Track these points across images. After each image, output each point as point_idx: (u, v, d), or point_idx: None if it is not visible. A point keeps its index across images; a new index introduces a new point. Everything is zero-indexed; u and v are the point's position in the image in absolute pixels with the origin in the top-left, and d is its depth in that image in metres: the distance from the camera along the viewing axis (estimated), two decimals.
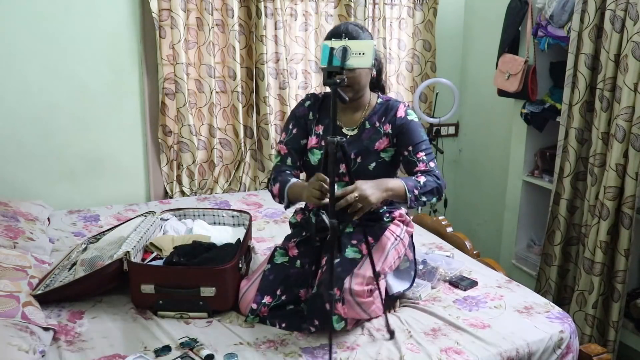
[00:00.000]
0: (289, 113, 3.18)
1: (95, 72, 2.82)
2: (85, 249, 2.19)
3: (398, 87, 3.56)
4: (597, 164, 2.51)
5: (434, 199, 1.88)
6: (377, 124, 1.97)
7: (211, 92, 3.02)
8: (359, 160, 1.94)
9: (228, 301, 1.91)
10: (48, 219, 2.61)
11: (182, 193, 3.11)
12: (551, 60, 2.97)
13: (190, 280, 1.87)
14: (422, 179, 1.85)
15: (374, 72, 1.99)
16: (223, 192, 3.18)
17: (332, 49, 1.54)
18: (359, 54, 1.56)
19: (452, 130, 3.84)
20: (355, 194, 1.66)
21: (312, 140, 2.00)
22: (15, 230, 2.24)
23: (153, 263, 2.03)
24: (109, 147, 2.94)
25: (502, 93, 3.09)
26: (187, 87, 2.95)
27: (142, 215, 2.34)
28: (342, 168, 1.89)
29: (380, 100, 2.01)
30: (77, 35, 2.75)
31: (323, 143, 1.95)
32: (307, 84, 3.30)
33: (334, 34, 1.80)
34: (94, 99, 2.85)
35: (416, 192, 1.82)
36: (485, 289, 2.12)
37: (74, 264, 2.05)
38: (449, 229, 2.68)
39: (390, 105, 1.98)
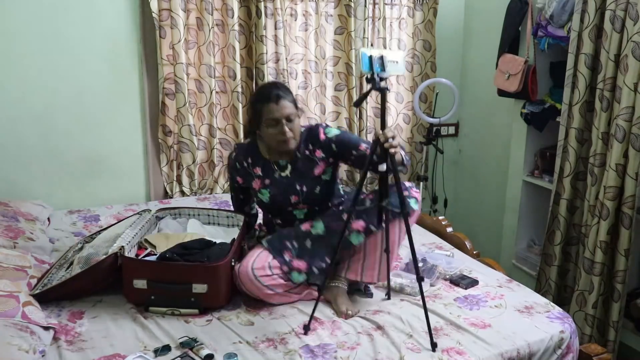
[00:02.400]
0: None
1: (95, 72, 2.82)
2: (81, 248, 2.19)
3: (398, 87, 3.56)
4: (597, 164, 2.51)
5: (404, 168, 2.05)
6: (308, 152, 2.10)
7: (211, 92, 3.02)
8: (304, 189, 2.09)
9: (220, 298, 1.93)
10: (48, 219, 2.61)
11: (182, 193, 3.11)
12: (551, 60, 2.97)
13: (182, 276, 1.89)
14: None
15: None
16: (223, 192, 3.18)
17: (370, 56, 1.68)
18: (394, 62, 1.71)
19: (452, 130, 3.84)
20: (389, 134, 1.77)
21: (257, 183, 2.14)
22: (15, 230, 2.24)
23: (147, 259, 2.04)
24: (109, 147, 2.94)
25: (502, 93, 3.09)
26: (187, 87, 2.95)
27: (137, 213, 2.35)
28: (294, 199, 2.09)
29: (302, 129, 2.12)
30: (77, 35, 2.75)
31: (266, 181, 2.12)
32: (307, 84, 3.30)
33: (277, 91, 2.01)
34: (94, 99, 2.85)
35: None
36: (486, 288, 2.12)
37: (71, 263, 2.05)
38: (449, 229, 2.68)
39: (313, 132, 2.10)
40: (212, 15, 2.93)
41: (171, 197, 3.08)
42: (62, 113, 2.80)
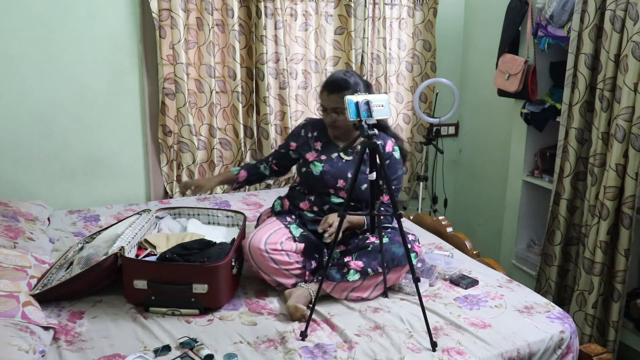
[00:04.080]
0: (288, 113, 3.21)
1: (95, 72, 2.82)
2: (81, 249, 2.19)
3: (398, 87, 3.56)
4: (597, 164, 2.51)
5: None
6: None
7: (211, 92, 3.02)
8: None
9: (220, 299, 1.93)
10: (48, 219, 2.61)
11: (182, 193, 3.10)
12: (551, 60, 2.97)
13: (183, 276, 1.89)
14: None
15: None
16: (223, 192, 3.18)
17: (357, 103, 1.74)
18: (380, 106, 1.77)
19: (452, 130, 3.84)
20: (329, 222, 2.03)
21: (312, 155, 2.24)
22: (15, 230, 2.24)
23: (147, 259, 2.04)
24: (109, 147, 2.94)
25: (502, 93, 3.09)
26: (187, 87, 2.95)
27: (137, 213, 2.34)
28: (340, 183, 2.17)
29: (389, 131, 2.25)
30: (77, 35, 2.75)
31: (322, 157, 2.22)
32: (307, 84, 3.30)
33: (332, 85, 2.12)
34: (94, 99, 2.85)
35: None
36: (486, 288, 2.12)
37: (71, 263, 2.05)
38: (449, 229, 2.68)
39: (385, 140, 2.20)
40: (212, 15, 2.93)
41: (171, 197, 3.08)
42: (62, 113, 2.80)
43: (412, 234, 2.17)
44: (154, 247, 2.09)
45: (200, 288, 1.88)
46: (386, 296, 2.05)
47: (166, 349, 1.69)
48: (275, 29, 3.09)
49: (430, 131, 3.50)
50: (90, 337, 1.74)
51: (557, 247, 2.77)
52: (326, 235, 2.03)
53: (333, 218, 2.05)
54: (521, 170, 3.13)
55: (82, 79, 2.80)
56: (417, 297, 1.86)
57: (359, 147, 2.13)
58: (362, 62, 3.36)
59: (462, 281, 2.13)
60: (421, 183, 3.50)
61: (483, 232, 3.69)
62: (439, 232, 2.67)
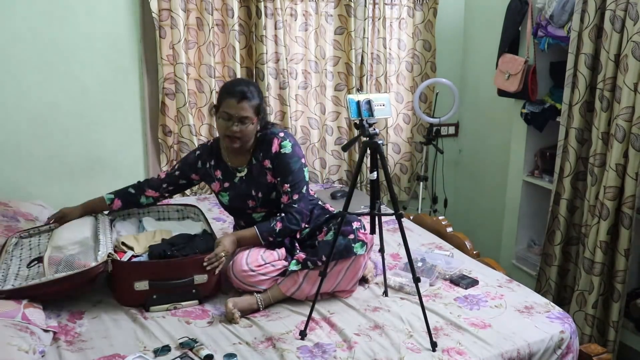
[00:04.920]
0: (288, 113, 3.20)
1: (95, 72, 2.82)
2: (17, 244, 2.10)
3: (398, 87, 3.56)
4: (597, 164, 2.50)
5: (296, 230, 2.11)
6: (259, 159, 2.12)
7: (211, 92, 3.02)
8: (260, 195, 2.12)
9: (216, 286, 2.03)
10: (48, 219, 2.61)
11: (182, 193, 3.10)
12: (551, 60, 2.97)
13: (184, 270, 1.94)
14: (278, 226, 2.05)
15: (259, 127, 2.11)
16: None
17: (358, 102, 1.73)
18: (381, 105, 1.77)
19: (452, 130, 3.84)
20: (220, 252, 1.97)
21: (216, 185, 2.18)
22: (15, 231, 2.24)
23: (143, 260, 2.02)
24: (108, 147, 2.94)
25: (502, 93, 3.09)
26: (187, 87, 2.95)
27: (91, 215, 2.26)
28: (251, 204, 2.13)
29: (258, 134, 2.12)
30: (77, 35, 2.75)
31: (225, 185, 2.15)
32: (307, 84, 3.30)
33: (242, 93, 2.01)
34: (94, 99, 2.85)
35: (271, 239, 2.06)
36: (486, 288, 2.12)
37: (35, 259, 1.97)
38: (449, 229, 2.68)
39: (267, 139, 2.10)
40: (212, 15, 2.93)
41: (171, 197, 3.07)
42: (62, 113, 2.80)
43: (358, 221, 2.09)
44: (131, 248, 2.07)
45: (200, 279, 1.95)
46: (386, 295, 2.04)
47: (166, 349, 1.69)
48: (275, 29, 3.09)
49: (430, 131, 3.50)
50: (90, 337, 1.75)
51: (557, 247, 2.77)
52: (205, 264, 1.94)
53: (223, 247, 1.98)
54: (521, 170, 3.13)
55: (82, 79, 2.80)
56: (417, 297, 1.86)
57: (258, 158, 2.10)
58: (362, 62, 3.36)
59: (462, 281, 2.13)
60: (421, 183, 3.50)
61: (483, 232, 3.69)
62: (439, 232, 2.67)
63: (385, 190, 3.22)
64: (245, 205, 2.15)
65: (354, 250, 1.98)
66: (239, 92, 1.98)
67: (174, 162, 3.06)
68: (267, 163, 2.09)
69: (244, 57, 3.10)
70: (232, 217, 2.35)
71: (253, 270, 1.97)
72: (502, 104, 3.29)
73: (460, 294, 2.06)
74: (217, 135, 2.22)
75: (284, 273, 2.02)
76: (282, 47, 3.11)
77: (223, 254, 1.97)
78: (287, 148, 2.08)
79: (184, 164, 2.24)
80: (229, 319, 1.87)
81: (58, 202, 2.82)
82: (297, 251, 2.08)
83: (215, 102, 2.15)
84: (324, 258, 1.94)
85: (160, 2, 2.82)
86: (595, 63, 2.52)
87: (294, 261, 2.01)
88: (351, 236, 2.00)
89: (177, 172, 2.24)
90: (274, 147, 2.08)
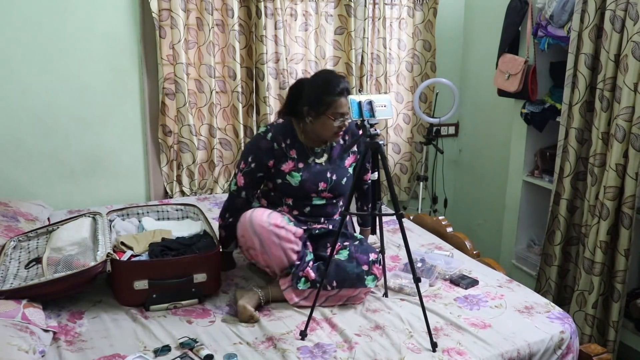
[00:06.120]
0: None
1: (95, 72, 2.82)
2: (15, 247, 2.11)
3: (398, 87, 3.56)
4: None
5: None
6: (344, 142, 2.18)
7: (211, 92, 3.02)
8: (334, 177, 2.15)
9: (216, 284, 2.04)
10: (48, 219, 2.61)
11: (182, 193, 3.11)
12: (551, 60, 2.97)
13: (184, 269, 1.95)
14: None
15: None
16: (223, 192, 3.18)
17: (359, 102, 1.74)
18: (382, 106, 1.78)
19: (452, 130, 3.84)
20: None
21: (289, 165, 2.11)
22: (15, 230, 2.24)
23: (142, 259, 2.03)
24: (108, 147, 2.93)
25: (502, 93, 3.09)
26: (187, 87, 2.95)
27: (83, 215, 2.25)
28: (322, 186, 2.11)
29: None
30: (77, 35, 2.75)
31: (299, 165, 2.11)
32: None
33: (346, 89, 2.03)
34: (94, 99, 2.85)
35: None
36: (486, 288, 2.12)
37: (33, 260, 1.98)
38: (449, 229, 2.68)
39: (355, 124, 2.17)
40: (212, 15, 2.93)
41: (171, 197, 3.08)
42: (62, 113, 2.80)
43: (375, 254, 2.03)
44: (131, 248, 2.07)
45: (200, 277, 1.96)
46: (386, 296, 2.04)
47: (166, 349, 1.69)
48: (275, 29, 3.09)
49: (430, 131, 3.50)
50: (90, 337, 1.75)
51: (557, 247, 2.77)
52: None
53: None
54: (521, 170, 3.13)
55: (82, 79, 2.80)
56: (417, 297, 1.86)
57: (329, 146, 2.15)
58: (362, 62, 3.36)
59: (462, 281, 2.13)
60: (421, 183, 3.50)
61: (483, 232, 3.69)
62: (439, 232, 2.67)
63: (386, 190, 3.24)
64: (315, 188, 2.11)
65: (365, 282, 1.97)
66: (344, 90, 2.00)
67: (173, 161, 3.05)
68: (355, 147, 2.19)
69: (244, 57, 3.10)
70: (266, 202, 2.21)
71: (270, 225, 1.93)
72: (502, 104, 3.29)
73: (460, 294, 2.06)
74: (255, 133, 2.29)
75: (290, 267, 1.98)
76: (282, 47, 3.11)
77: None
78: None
79: (258, 154, 2.08)
80: (244, 319, 1.85)
81: (58, 201, 2.83)
82: (309, 252, 2.04)
83: (304, 102, 2.05)
84: (334, 284, 1.94)
85: (160, 2, 2.82)
86: (595, 63, 2.52)
87: (302, 279, 1.97)
88: (365, 267, 1.98)
89: (252, 165, 2.08)
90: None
